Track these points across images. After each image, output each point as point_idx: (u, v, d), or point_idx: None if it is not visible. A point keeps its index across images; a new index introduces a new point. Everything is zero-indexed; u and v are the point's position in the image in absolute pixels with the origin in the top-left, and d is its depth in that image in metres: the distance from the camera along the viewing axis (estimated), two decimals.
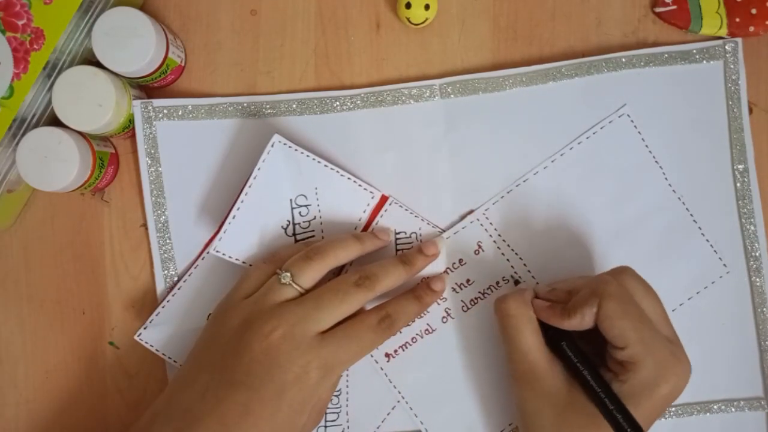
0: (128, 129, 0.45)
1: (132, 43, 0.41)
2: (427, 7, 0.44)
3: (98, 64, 0.42)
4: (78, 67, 0.42)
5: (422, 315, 0.45)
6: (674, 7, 0.46)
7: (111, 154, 0.46)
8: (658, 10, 0.47)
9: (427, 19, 0.45)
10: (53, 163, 0.41)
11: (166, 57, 0.43)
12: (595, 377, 0.37)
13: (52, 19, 0.41)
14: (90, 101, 0.41)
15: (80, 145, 0.42)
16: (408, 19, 0.45)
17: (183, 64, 0.46)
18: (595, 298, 0.36)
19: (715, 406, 0.45)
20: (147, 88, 0.47)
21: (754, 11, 0.46)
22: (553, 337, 0.39)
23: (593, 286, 0.37)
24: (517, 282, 0.45)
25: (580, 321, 0.37)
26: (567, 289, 0.40)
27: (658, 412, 0.37)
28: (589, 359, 0.38)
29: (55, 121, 0.42)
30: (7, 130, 0.41)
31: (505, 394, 0.45)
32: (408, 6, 0.44)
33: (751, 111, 0.47)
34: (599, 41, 0.47)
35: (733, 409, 0.45)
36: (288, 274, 0.39)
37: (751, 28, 0.46)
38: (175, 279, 0.45)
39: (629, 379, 0.36)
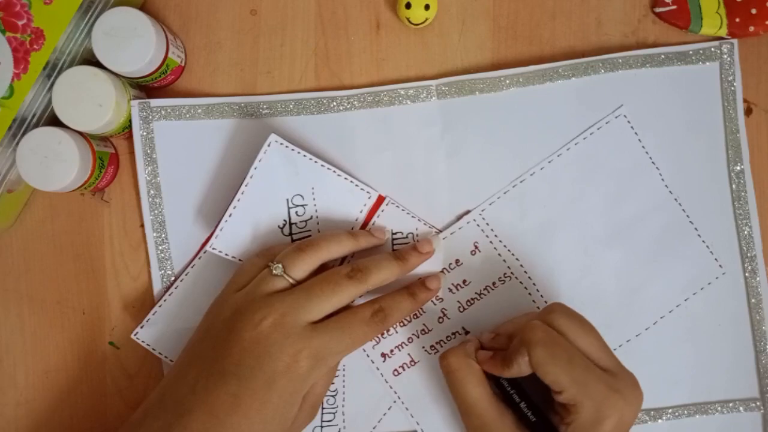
0: (128, 129, 0.45)
1: (132, 43, 0.41)
2: (427, 7, 0.44)
3: (98, 64, 0.42)
4: (78, 67, 0.42)
5: (418, 315, 0.45)
6: (674, 7, 0.46)
7: (111, 154, 0.46)
8: (658, 10, 0.47)
9: (427, 19, 0.45)
10: (53, 163, 0.41)
11: (166, 57, 0.43)
12: (541, 423, 0.37)
13: (52, 19, 0.41)
14: (90, 101, 0.41)
15: (80, 145, 0.42)
16: (408, 19, 0.45)
17: (183, 64, 0.46)
18: (524, 347, 0.36)
19: (711, 408, 0.45)
20: (147, 88, 0.47)
21: (754, 11, 0.46)
22: (501, 382, 0.39)
23: (522, 334, 0.37)
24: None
25: (518, 370, 0.36)
26: (508, 333, 0.40)
27: None
28: (535, 405, 0.38)
29: (55, 121, 0.42)
30: (7, 130, 0.41)
31: None
32: (408, 6, 0.44)
33: (750, 111, 0.47)
34: (599, 41, 0.47)
35: (729, 411, 0.45)
36: (279, 265, 0.39)
37: (751, 28, 0.46)
38: (172, 278, 0.46)
39: (573, 420, 0.35)
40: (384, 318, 0.40)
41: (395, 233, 0.45)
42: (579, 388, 0.35)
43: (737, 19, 0.46)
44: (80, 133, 0.43)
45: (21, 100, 0.41)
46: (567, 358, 0.35)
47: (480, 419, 0.38)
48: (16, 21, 0.41)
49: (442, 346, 0.45)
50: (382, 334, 0.45)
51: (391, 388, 0.45)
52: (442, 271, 0.45)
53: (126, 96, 0.44)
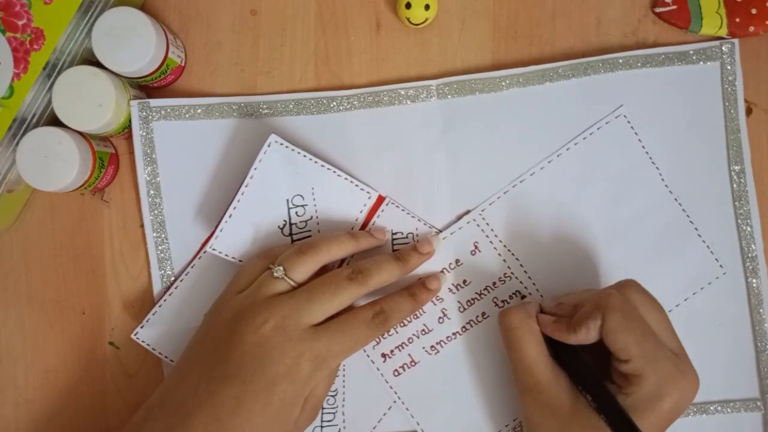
0: (128, 129, 0.45)
1: (132, 43, 0.41)
2: (427, 7, 0.44)
3: (98, 64, 0.42)
4: (78, 67, 0.42)
5: (418, 315, 0.45)
6: (674, 7, 0.46)
7: (111, 154, 0.46)
8: (658, 10, 0.47)
9: (427, 19, 0.45)
10: (53, 163, 0.41)
11: (166, 57, 0.43)
12: (600, 390, 0.37)
13: (52, 19, 0.41)
14: (90, 101, 0.41)
15: (80, 145, 0.42)
16: (408, 19, 0.45)
17: (183, 64, 0.46)
18: (599, 312, 0.36)
19: (712, 408, 0.45)
20: (147, 88, 0.47)
21: (754, 11, 0.46)
22: (558, 350, 0.39)
23: (597, 300, 0.37)
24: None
25: (585, 335, 0.37)
26: (573, 303, 0.40)
27: (663, 425, 0.36)
28: (593, 372, 0.38)
29: (55, 121, 0.42)
30: (7, 130, 0.41)
31: (503, 394, 0.45)
32: (408, 6, 0.44)
33: (750, 111, 0.47)
34: (599, 41, 0.47)
35: (729, 411, 0.45)
36: (281, 267, 0.39)
37: (751, 28, 0.46)
38: (172, 279, 0.46)
39: (633, 392, 0.36)
40: (385, 319, 0.40)
41: (395, 233, 0.45)
42: (647, 360, 0.35)
43: (737, 19, 0.46)
44: (80, 133, 0.43)
45: (21, 100, 0.41)
46: (640, 329, 0.36)
47: (534, 378, 0.38)
48: (16, 21, 0.41)
49: (442, 347, 0.45)
50: (383, 334, 0.45)
51: (391, 388, 0.45)
52: (442, 271, 0.45)
53: (126, 96, 0.44)
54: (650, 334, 0.36)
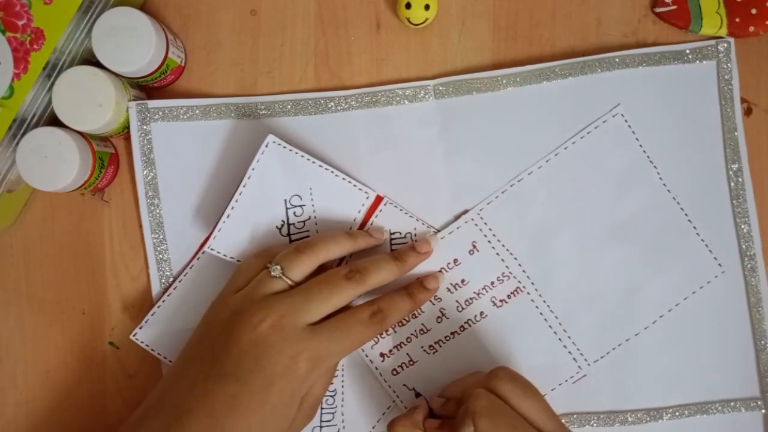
0: (128, 129, 0.45)
1: (132, 43, 0.41)
2: (427, 7, 0.44)
3: (98, 64, 0.42)
4: (78, 67, 0.42)
5: (416, 314, 0.45)
6: (674, 7, 0.46)
7: (111, 154, 0.46)
8: (658, 10, 0.47)
9: (427, 20, 0.45)
10: (53, 163, 0.41)
11: (166, 57, 0.43)
12: None
13: (52, 19, 0.41)
14: (90, 101, 0.42)
15: (80, 145, 0.42)
16: (408, 20, 0.45)
17: (183, 64, 0.46)
18: (469, 418, 0.35)
19: (712, 407, 0.45)
20: (147, 88, 0.47)
21: (754, 11, 0.46)
22: None
23: (467, 404, 0.36)
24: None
25: None
26: (457, 398, 0.40)
27: None
28: None
29: (55, 121, 0.42)
30: (7, 130, 0.41)
31: None
32: (408, 6, 0.44)
33: (750, 111, 0.47)
34: (599, 41, 0.47)
35: (729, 410, 0.45)
36: (278, 267, 0.39)
37: (751, 28, 0.46)
38: (171, 279, 0.46)
39: None
40: (383, 319, 0.40)
41: (393, 233, 0.45)
42: None
43: (737, 19, 0.46)
44: (80, 133, 0.43)
45: (21, 100, 0.41)
46: (511, 427, 0.35)
47: None
48: (16, 21, 0.41)
49: (441, 346, 0.45)
50: (381, 334, 0.45)
51: (390, 387, 0.45)
52: (440, 271, 0.45)
53: (126, 96, 0.44)
54: (521, 428, 0.36)
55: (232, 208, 0.43)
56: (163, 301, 0.45)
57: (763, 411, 0.46)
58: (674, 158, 0.46)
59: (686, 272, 0.46)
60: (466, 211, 0.46)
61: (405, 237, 0.45)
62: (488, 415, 0.35)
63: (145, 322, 0.45)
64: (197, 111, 0.46)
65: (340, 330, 0.38)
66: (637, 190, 0.46)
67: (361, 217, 0.45)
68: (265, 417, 0.36)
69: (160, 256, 0.46)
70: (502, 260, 0.45)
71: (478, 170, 0.46)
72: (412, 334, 0.45)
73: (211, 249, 0.43)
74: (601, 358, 0.45)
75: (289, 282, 0.39)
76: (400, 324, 0.45)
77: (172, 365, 0.40)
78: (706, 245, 0.46)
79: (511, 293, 0.45)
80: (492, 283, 0.45)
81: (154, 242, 0.46)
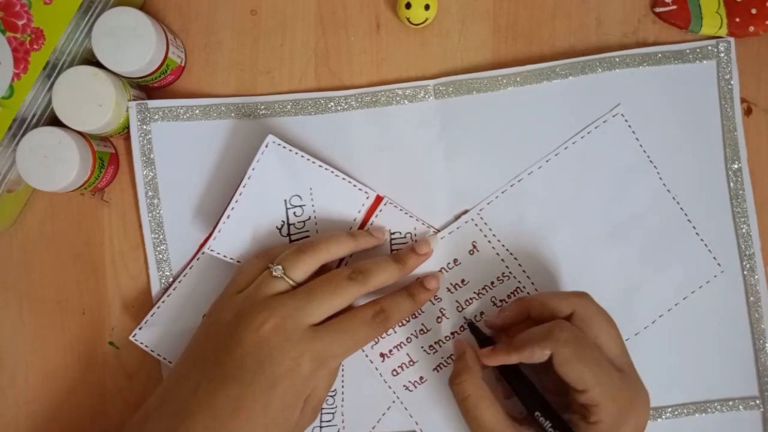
0: (128, 129, 0.45)
1: (132, 43, 0.41)
2: (427, 7, 0.44)
3: (98, 64, 0.42)
4: (78, 67, 0.42)
5: (417, 315, 0.45)
6: (674, 7, 0.47)
7: (111, 154, 0.46)
8: (658, 10, 0.47)
9: (427, 19, 0.45)
10: (53, 163, 0.41)
11: (166, 57, 0.43)
12: (545, 409, 0.37)
13: (52, 19, 0.41)
14: (90, 101, 0.42)
15: (80, 145, 0.42)
16: (408, 19, 0.45)
17: (183, 64, 0.46)
18: (548, 343, 0.36)
19: (711, 406, 0.45)
20: (147, 88, 0.47)
21: (754, 11, 0.46)
22: (503, 371, 0.39)
23: (549, 329, 0.36)
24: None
25: (530, 356, 0.36)
26: (518, 311, 0.41)
27: None
28: (546, 403, 0.38)
29: (55, 121, 0.42)
30: (7, 130, 0.42)
31: None
32: (408, 6, 0.44)
33: (750, 111, 0.47)
34: (599, 41, 0.47)
35: (728, 409, 0.45)
36: (280, 267, 0.39)
37: (751, 28, 0.46)
38: (170, 280, 0.46)
39: (597, 421, 0.35)
40: (385, 319, 0.40)
41: (393, 233, 0.45)
42: (603, 389, 0.35)
43: (737, 19, 0.46)
44: (80, 133, 0.43)
45: (21, 100, 0.41)
46: (593, 359, 0.36)
47: None
48: (16, 21, 0.41)
49: (440, 346, 0.45)
50: (382, 334, 0.45)
51: (390, 388, 0.45)
52: (440, 271, 0.45)
53: (126, 96, 0.44)
54: (603, 361, 0.36)
55: (233, 208, 0.43)
56: (163, 302, 0.45)
57: (762, 410, 0.46)
58: (674, 158, 0.46)
59: (685, 272, 0.46)
60: (466, 211, 0.46)
61: (405, 237, 0.45)
62: (572, 345, 0.35)
63: (145, 323, 0.45)
64: (197, 111, 0.46)
65: (343, 331, 0.38)
66: (637, 189, 0.46)
67: (361, 217, 0.45)
68: (268, 419, 0.36)
69: (160, 256, 0.46)
70: (502, 260, 0.45)
71: (478, 170, 0.46)
72: (412, 334, 0.45)
73: (211, 250, 0.43)
74: None
75: (291, 282, 0.39)
76: (400, 324, 0.45)
77: (174, 367, 0.40)
78: (706, 245, 0.46)
79: (511, 293, 0.45)
80: (492, 283, 0.45)
81: (154, 242, 0.46)
